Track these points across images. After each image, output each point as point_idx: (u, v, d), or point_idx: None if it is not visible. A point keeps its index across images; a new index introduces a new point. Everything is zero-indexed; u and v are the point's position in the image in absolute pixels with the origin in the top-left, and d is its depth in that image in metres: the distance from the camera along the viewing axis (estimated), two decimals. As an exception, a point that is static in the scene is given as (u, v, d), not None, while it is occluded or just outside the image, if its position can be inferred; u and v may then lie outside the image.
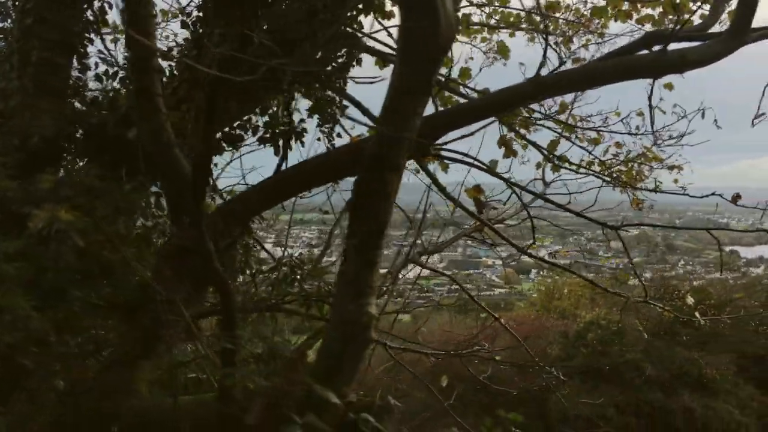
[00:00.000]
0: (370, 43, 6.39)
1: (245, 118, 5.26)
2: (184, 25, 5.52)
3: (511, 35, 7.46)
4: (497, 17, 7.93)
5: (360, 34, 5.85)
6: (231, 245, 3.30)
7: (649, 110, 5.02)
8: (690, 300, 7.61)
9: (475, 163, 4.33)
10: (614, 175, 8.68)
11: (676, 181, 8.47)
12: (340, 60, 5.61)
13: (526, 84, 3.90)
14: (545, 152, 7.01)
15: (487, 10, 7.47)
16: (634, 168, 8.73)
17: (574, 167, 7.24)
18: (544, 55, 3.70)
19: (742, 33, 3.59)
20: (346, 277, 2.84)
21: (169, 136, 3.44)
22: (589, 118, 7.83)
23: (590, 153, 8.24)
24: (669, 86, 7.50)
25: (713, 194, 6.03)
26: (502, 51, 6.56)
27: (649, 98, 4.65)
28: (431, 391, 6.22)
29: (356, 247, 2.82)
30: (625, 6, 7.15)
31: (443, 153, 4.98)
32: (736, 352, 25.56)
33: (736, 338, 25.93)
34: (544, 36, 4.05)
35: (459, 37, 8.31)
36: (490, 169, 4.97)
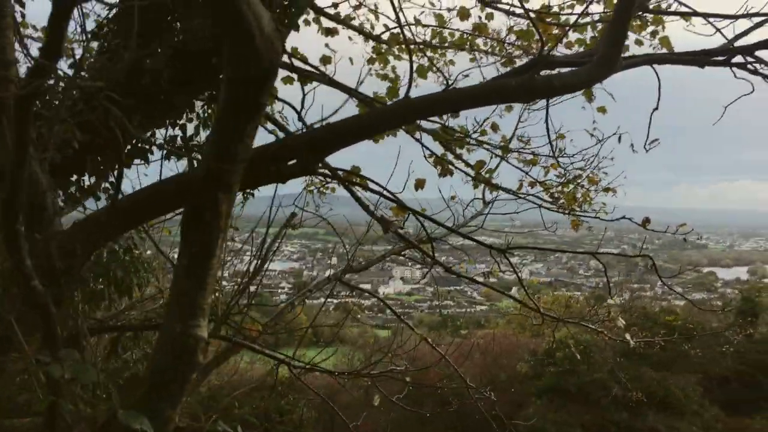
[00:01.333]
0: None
1: (149, 133, 5.23)
2: (94, 36, 5.49)
3: (442, 55, 7.47)
4: (436, 39, 7.93)
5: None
6: (79, 265, 3.23)
7: (547, 132, 5.03)
8: (621, 322, 7.58)
9: (366, 183, 4.30)
10: (555, 196, 8.66)
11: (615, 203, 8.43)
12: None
13: (395, 104, 3.91)
14: (471, 174, 7.00)
15: (421, 29, 7.44)
16: (578, 190, 8.72)
17: (499, 188, 7.23)
18: (411, 76, 3.70)
19: (611, 61, 3.60)
20: (176, 298, 2.80)
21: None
22: (522, 139, 7.82)
23: (527, 174, 8.23)
24: (602, 110, 7.56)
25: (623, 218, 6.11)
26: (420, 72, 6.56)
27: (546, 121, 4.66)
28: (336, 411, 6.11)
29: (186, 268, 2.78)
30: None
31: (351, 178, 4.96)
32: (702, 373, 25.70)
33: (703, 359, 26.05)
34: (409, 56, 4.02)
35: (402, 55, 8.31)
36: (397, 199, 4.95)
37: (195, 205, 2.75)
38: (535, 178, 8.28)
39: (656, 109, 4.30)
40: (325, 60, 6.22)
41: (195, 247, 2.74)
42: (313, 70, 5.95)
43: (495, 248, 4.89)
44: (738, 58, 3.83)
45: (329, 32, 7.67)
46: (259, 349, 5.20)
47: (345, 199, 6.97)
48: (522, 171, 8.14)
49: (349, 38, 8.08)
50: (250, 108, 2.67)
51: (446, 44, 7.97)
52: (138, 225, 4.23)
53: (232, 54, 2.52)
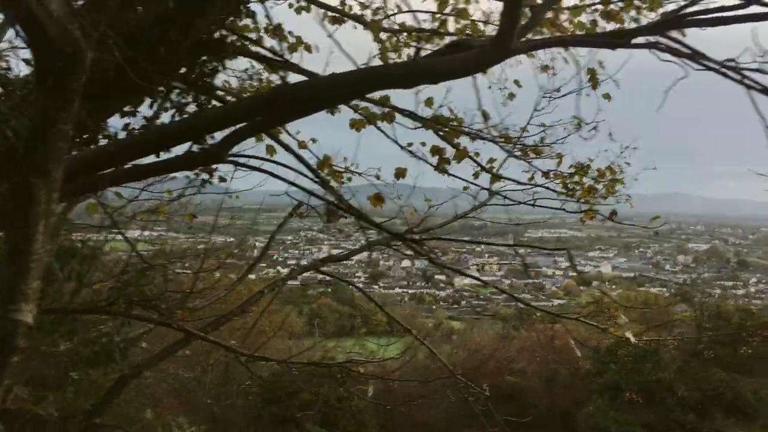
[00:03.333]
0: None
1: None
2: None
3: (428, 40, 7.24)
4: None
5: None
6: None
7: (484, 118, 4.78)
8: (623, 319, 7.22)
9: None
10: (570, 187, 8.31)
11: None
12: (209, 66, 5.58)
13: (270, 90, 3.78)
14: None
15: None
16: (598, 182, 8.35)
17: (501, 178, 7.01)
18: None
19: (504, 44, 3.32)
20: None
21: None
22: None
23: (530, 164, 7.95)
24: (607, 97, 7.17)
25: (588, 210, 5.83)
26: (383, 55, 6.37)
27: (479, 106, 4.42)
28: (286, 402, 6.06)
29: (8, 254, 2.81)
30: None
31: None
32: (781, 378, 24.15)
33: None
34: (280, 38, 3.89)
35: (411, 42, 8.14)
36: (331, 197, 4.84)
37: (13, 189, 2.77)
38: (542, 168, 7.99)
39: (578, 93, 4.00)
40: (292, 48, 6.13)
41: (13, 234, 2.76)
42: (276, 57, 5.86)
43: (408, 239, 4.71)
44: (640, 39, 3.49)
45: (336, 21, 7.60)
46: (205, 337, 5.24)
47: (364, 188, 6.92)
48: (524, 161, 7.87)
49: (354, 27, 8.01)
50: (60, 95, 2.65)
51: (443, 31, 7.76)
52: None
53: (29, 40, 2.51)
